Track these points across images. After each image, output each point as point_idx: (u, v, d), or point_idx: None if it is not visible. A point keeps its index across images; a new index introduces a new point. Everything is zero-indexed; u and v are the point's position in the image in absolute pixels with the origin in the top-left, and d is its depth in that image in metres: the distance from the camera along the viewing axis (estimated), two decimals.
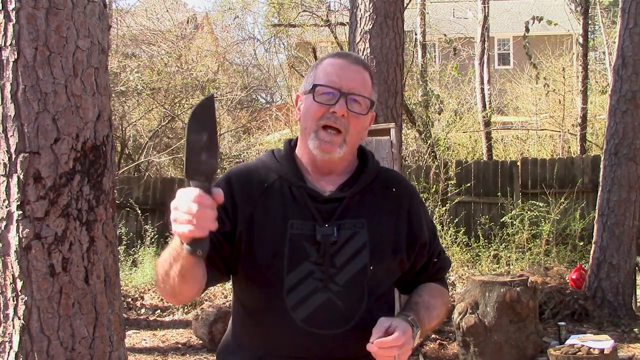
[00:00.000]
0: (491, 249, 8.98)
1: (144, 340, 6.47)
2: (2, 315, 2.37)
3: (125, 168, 11.71)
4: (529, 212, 8.97)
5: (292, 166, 1.69)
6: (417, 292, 1.76)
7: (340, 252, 1.62)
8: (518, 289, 5.15)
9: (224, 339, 1.77)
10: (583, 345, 4.76)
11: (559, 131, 14.07)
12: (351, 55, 1.72)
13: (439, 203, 9.20)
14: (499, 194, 9.89)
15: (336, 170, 1.71)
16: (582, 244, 9.11)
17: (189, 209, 1.33)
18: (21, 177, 2.31)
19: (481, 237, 9.12)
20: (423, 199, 9.51)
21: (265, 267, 1.61)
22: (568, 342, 4.98)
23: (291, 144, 1.75)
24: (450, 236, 8.88)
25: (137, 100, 12.86)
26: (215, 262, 1.60)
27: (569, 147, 14.03)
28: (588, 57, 13.62)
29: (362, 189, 1.69)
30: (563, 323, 5.92)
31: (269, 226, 1.62)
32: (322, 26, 14.62)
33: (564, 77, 14.80)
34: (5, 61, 2.33)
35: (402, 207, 1.72)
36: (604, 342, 4.80)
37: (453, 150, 13.31)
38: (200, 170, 1.35)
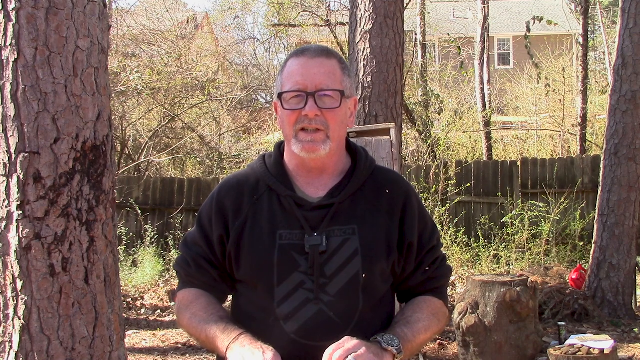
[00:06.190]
0: (491, 249, 8.98)
1: (144, 340, 6.47)
2: (2, 315, 2.37)
3: (125, 168, 11.70)
4: (529, 212, 8.97)
5: (281, 174, 1.67)
6: (402, 310, 1.69)
7: (331, 262, 1.58)
8: (518, 289, 5.15)
9: None
10: (583, 345, 4.76)
11: (559, 131, 14.06)
12: (311, 49, 1.65)
13: (439, 203, 9.20)
14: (499, 194, 9.88)
15: (327, 170, 1.66)
16: (582, 244, 9.11)
17: None
18: (21, 177, 2.31)
19: (481, 237, 9.12)
20: (423, 199, 9.42)
21: (255, 279, 1.60)
22: (568, 342, 4.98)
23: (281, 148, 1.72)
24: (450, 236, 8.88)
25: (137, 100, 12.86)
26: (226, 292, 1.74)
27: (569, 147, 14.02)
28: (588, 57, 13.61)
29: (353, 192, 1.64)
30: (563, 323, 5.91)
31: (259, 238, 1.60)
32: (322, 26, 14.63)
33: (564, 77, 14.80)
34: (5, 61, 2.33)
35: (396, 208, 1.66)
36: (604, 342, 4.79)
37: (453, 150, 13.31)
38: None
